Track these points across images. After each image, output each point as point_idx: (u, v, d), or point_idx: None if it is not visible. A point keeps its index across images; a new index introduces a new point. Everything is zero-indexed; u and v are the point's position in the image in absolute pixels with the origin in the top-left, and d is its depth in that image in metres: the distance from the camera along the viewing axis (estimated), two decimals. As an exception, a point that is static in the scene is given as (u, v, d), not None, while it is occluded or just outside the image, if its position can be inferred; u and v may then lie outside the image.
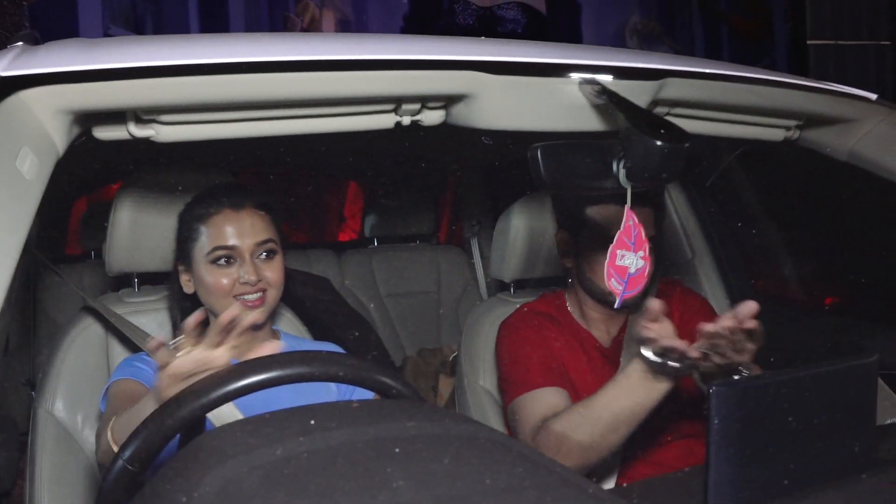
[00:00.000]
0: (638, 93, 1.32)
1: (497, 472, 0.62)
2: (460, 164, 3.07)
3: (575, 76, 1.30)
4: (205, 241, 1.58)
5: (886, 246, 2.02)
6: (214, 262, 1.57)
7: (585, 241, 1.80)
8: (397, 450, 0.62)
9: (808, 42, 8.03)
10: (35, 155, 1.04)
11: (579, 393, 1.76)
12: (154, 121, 1.21)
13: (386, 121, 1.33)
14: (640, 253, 1.20)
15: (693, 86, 1.40)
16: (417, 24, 6.81)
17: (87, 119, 1.18)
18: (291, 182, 3.33)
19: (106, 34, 4.75)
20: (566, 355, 1.81)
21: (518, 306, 2.00)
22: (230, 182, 1.71)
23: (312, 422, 0.66)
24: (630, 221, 1.20)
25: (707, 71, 1.43)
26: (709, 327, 1.37)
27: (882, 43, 7.98)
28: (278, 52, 1.21)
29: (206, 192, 1.65)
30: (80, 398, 1.71)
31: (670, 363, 1.43)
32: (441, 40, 1.38)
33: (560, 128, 1.32)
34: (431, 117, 1.35)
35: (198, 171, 1.82)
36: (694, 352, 1.40)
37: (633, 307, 1.81)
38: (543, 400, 1.69)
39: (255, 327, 1.61)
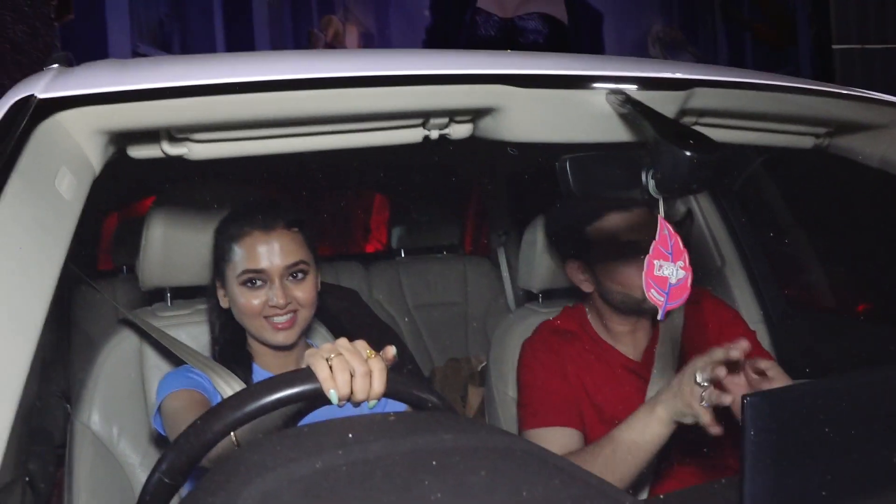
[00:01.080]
0: (665, 103, 1.32)
1: (534, 485, 0.63)
2: (486, 175, 3.08)
3: (602, 87, 1.31)
4: (236, 261, 1.59)
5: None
6: (244, 283, 1.58)
7: (600, 258, 1.78)
8: (434, 462, 0.63)
9: (834, 47, 7.96)
10: (73, 175, 1.06)
11: (605, 411, 1.75)
12: (187, 139, 1.23)
13: (414, 135, 1.34)
14: (680, 263, 1.19)
15: (721, 95, 1.40)
16: (440, 36, 6.84)
17: (121, 138, 1.21)
18: (318, 195, 3.36)
19: (135, 52, 4.84)
20: (587, 376, 1.80)
21: (545, 317, 2.00)
22: (263, 200, 1.71)
23: (350, 434, 0.67)
24: (665, 231, 1.19)
25: (735, 80, 1.42)
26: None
27: (910, 47, 7.90)
28: (308, 69, 1.23)
29: (240, 210, 1.65)
30: (116, 411, 1.74)
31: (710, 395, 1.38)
32: (467, 54, 1.39)
33: (588, 139, 1.32)
34: (459, 131, 1.36)
35: (228, 186, 1.84)
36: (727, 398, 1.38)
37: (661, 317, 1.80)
38: (554, 440, 1.68)
39: (288, 347, 1.62)
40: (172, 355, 1.76)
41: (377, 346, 2.32)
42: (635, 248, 1.68)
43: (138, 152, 1.25)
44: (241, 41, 5.57)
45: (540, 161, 2.43)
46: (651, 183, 1.18)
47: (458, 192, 3.34)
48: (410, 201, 3.26)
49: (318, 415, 1.24)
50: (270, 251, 1.57)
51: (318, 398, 1.03)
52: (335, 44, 6.14)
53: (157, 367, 1.79)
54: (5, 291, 0.85)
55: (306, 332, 1.70)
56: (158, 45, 5.14)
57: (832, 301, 2.30)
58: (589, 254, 1.81)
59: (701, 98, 1.38)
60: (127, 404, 1.75)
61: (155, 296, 1.94)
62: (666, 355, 1.78)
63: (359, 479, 0.62)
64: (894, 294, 2.18)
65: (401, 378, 1.08)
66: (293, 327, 1.59)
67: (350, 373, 1.04)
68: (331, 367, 1.04)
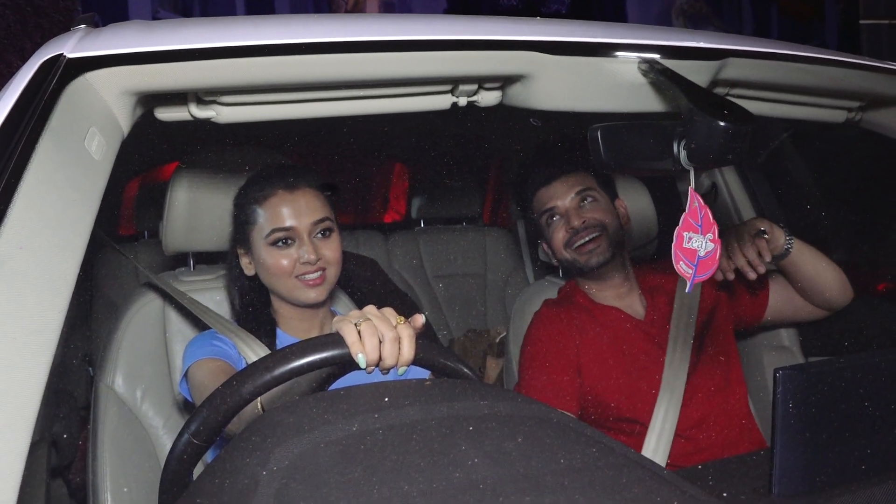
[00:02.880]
0: (698, 73, 1.30)
1: (570, 453, 0.62)
2: (508, 145, 3.05)
3: (633, 56, 1.29)
4: (262, 223, 1.59)
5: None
6: (273, 244, 1.58)
7: (544, 233, 1.93)
8: (471, 428, 0.63)
9: (861, 21, 7.86)
10: (102, 135, 1.06)
11: (615, 370, 1.77)
12: (215, 102, 1.22)
13: (442, 102, 1.33)
14: (710, 235, 1.18)
15: (754, 66, 1.38)
16: (461, 6, 6.78)
17: (149, 100, 1.20)
18: (338, 163, 3.34)
19: (155, 18, 4.81)
20: (592, 345, 1.84)
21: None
22: (283, 163, 1.72)
23: (385, 399, 0.66)
24: (696, 203, 1.18)
25: (769, 51, 1.40)
26: None
27: (939, 22, 7.80)
28: (337, 33, 1.22)
29: (259, 174, 1.66)
30: (140, 374, 1.75)
31: None
32: (498, 20, 1.37)
33: (618, 108, 1.30)
34: (488, 98, 1.34)
35: (251, 151, 1.84)
36: None
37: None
38: None
39: (315, 305, 1.63)
40: (196, 319, 1.77)
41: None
42: (554, 214, 1.89)
43: (166, 114, 1.24)
44: (261, 7, 5.53)
45: (564, 131, 2.42)
46: (683, 154, 1.17)
47: (478, 163, 3.31)
48: (430, 171, 3.24)
49: (346, 382, 1.25)
50: (297, 209, 1.58)
51: (346, 363, 1.03)
52: (356, 11, 6.09)
53: (180, 331, 1.80)
54: (38, 251, 0.85)
55: (331, 298, 1.70)
56: (179, 10, 5.11)
57: (855, 279, 2.27)
58: (541, 233, 1.96)
59: (734, 68, 1.35)
60: (150, 367, 1.77)
61: (177, 260, 1.94)
62: (683, 312, 1.82)
63: (395, 443, 0.61)
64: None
65: (430, 345, 1.08)
66: (323, 284, 1.59)
67: (379, 338, 1.04)
68: (359, 333, 1.04)
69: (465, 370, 1.09)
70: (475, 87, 1.32)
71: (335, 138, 2.71)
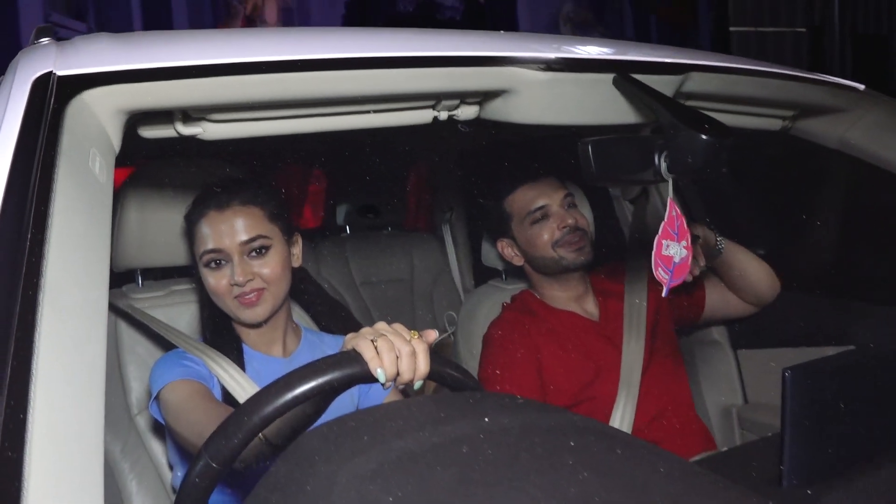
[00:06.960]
0: (664, 87, 1.38)
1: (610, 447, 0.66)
2: (433, 152, 3.09)
3: (609, 71, 1.35)
4: (198, 244, 1.56)
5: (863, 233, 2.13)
6: (207, 265, 1.55)
7: (519, 230, 1.95)
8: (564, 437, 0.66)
9: (731, 29, 8.37)
10: (101, 156, 1.03)
11: (575, 370, 1.83)
12: (203, 119, 1.21)
13: (424, 116, 1.35)
14: (683, 242, 1.25)
15: (711, 79, 1.46)
16: (358, 12, 6.78)
17: (136, 118, 1.17)
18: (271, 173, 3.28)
19: (47, 21, 4.58)
20: (551, 347, 1.89)
21: (511, 293, 2.07)
22: (222, 180, 1.65)
23: (440, 413, 0.68)
24: (673, 212, 1.25)
25: (725, 65, 1.49)
26: None
27: (799, 30, 8.41)
28: (325, 49, 1.22)
29: (200, 194, 1.62)
30: (96, 398, 1.68)
31: None
32: (480, 35, 1.41)
33: (596, 122, 1.36)
34: (467, 112, 1.38)
35: (200, 165, 1.79)
36: None
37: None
38: None
39: (260, 325, 1.59)
40: (150, 338, 1.72)
41: (332, 323, 2.26)
42: (544, 213, 1.91)
43: (151, 132, 1.21)
44: (157, 9, 5.35)
45: (498, 138, 2.46)
46: (663, 164, 1.23)
47: (403, 170, 3.32)
48: (354, 179, 3.23)
49: (340, 402, 1.24)
50: (226, 229, 1.54)
51: (364, 379, 1.03)
52: (254, 16, 5.98)
53: (132, 350, 1.75)
54: (76, 277, 0.82)
55: (288, 313, 1.67)
56: (73, 14, 4.87)
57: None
58: (511, 228, 1.97)
59: (694, 82, 1.44)
60: (105, 390, 1.70)
61: (122, 277, 1.87)
62: (633, 313, 1.90)
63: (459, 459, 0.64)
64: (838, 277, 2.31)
65: (441, 359, 1.10)
66: (259, 304, 1.55)
67: (396, 354, 1.05)
68: (376, 349, 1.05)
69: (475, 384, 1.12)
70: (457, 101, 1.35)
71: (270, 149, 2.67)
